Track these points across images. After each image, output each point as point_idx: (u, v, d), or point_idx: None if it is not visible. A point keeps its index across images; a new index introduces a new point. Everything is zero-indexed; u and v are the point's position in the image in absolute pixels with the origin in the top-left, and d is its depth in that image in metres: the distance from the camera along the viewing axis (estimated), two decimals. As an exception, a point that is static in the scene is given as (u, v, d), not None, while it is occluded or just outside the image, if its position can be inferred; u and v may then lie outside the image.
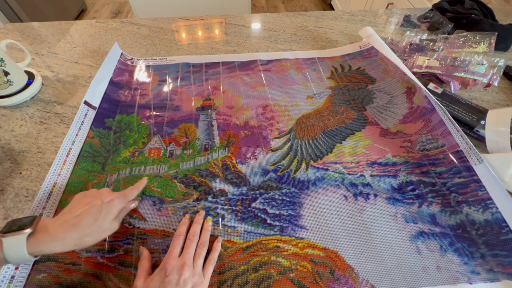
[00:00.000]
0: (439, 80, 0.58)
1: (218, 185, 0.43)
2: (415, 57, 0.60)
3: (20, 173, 0.43)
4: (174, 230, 0.38)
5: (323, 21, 0.79)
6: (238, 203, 0.41)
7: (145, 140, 0.48)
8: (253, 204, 0.40)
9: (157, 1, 1.42)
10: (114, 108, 0.53)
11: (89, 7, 2.42)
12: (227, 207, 0.40)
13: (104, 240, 0.36)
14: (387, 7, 1.54)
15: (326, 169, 0.45)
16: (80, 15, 2.27)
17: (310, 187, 0.42)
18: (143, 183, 0.40)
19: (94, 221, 0.31)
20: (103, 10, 2.39)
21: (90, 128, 0.48)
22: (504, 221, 0.37)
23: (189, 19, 0.79)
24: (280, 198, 0.41)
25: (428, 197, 0.41)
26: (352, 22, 0.79)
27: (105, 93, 0.54)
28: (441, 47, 0.62)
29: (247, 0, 1.49)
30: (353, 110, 0.54)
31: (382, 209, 0.40)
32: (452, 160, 0.43)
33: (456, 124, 0.44)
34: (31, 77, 0.56)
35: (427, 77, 0.59)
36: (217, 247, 0.36)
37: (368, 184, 0.43)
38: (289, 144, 0.48)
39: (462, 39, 0.65)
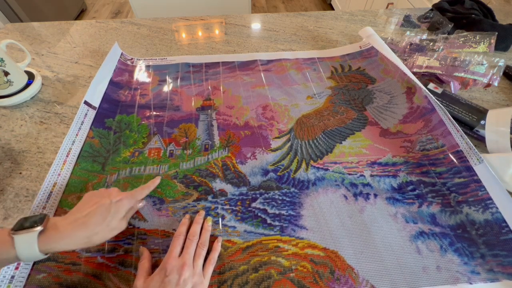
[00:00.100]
0: (439, 80, 0.58)
1: (218, 185, 0.43)
2: (415, 57, 0.60)
3: (20, 173, 0.43)
4: (174, 230, 0.38)
5: (323, 21, 0.79)
6: (238, 203, 0.41)
7: (145, 140, 0.48)
8: (253, 204, 0.40)
9: (157, 1, 1.42)
10: (114, 108, 0.53)
11: (89, 7, 2.42)
12: (227, 207, 0.40)
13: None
14: (387, 7, 1.54)
15: (326, 169, 0.45)
16: (80, 15, 2.27)
17: (310, 187, 0.42)
18: (155, 183, 0.40)
19: (102, 220, 0.31)
20: (103, 10, 2.39)
21: (90, 128, 0.48)
22: (504, 221, 0.37)
23: (189, 19, 0.79)
24: (280, 198, 0.41)
25: (428, 197, 0.41)
26: (352, 22, 0.79)
27: (105, 93, 0.54)
28: (441, 47, 0.62)
29: (247, 0, 1.49)
30: (353, 110, 0.54)
31: (382, 209, 0.40)
32: (452, 160, 0.43)
33: (456, 124, 0.44)
34: (31, 77, 0.56)
35: (427, 77, 0.59)
36: (217, 247, 0.36)
37: (368, 184, 0.43)
38: (289, 144, 0.48)
39: (462, 39, 0.65)
